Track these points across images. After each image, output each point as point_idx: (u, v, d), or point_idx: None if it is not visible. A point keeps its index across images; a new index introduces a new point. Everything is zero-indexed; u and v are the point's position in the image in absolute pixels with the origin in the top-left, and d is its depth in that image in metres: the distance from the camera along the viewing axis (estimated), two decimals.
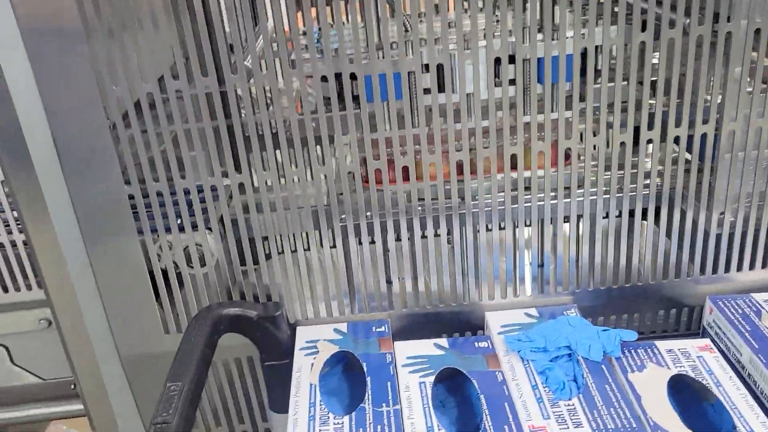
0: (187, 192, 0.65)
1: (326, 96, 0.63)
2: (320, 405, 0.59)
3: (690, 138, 0.66)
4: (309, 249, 0.69)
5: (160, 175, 0.64)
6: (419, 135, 0.64)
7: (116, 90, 0.60)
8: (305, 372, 0.63)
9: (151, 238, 0.67)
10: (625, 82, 0.64)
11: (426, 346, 0.66)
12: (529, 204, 0.68)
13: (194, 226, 0.67)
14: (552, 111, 0.64)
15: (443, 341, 0.67)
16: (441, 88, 0.63)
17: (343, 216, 0.67)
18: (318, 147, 0.65)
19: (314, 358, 0.65)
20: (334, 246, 0.69)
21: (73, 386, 0.86)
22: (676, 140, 0.66)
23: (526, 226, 0.70)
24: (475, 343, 0.66)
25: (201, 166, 0.64)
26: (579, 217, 0.69)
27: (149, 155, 0.63)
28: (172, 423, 0.50)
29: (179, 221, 0.66)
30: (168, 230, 0.66)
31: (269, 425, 0.77)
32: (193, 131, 0.62)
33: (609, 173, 0.67)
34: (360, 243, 0.69)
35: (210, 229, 0.67)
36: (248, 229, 0.67)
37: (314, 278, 0.70)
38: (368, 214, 0.67)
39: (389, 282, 0.76)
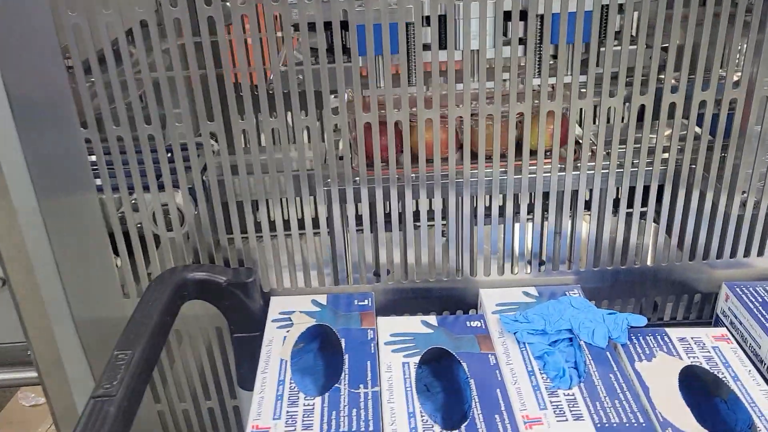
0: (153, 150, 0.58)
1: (314, 48, 0.56)
2: (290, 383, 0.53)
3: (714, 117, 0.59)
4: (288, 215, 0.62)
5: (122, 125, 0.57)
6: (416, 96, 0.57)
7: (73, 17, 0.53)
8: (276, 346, 0.57)
9: (112, 194, 0.60)
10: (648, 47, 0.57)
11: (412, 323, 0.60)
12: (534, 175, 0.61)
13: (161, 187, 0.60)
14: (566, 74, 0.57)
15: (432, 318, 0.61)
16: (442, 44, 0.56)
17: (328, 181, 0.61)
18: (303, 104, 0.58)
19: (287, 331, 0.59)
20: (317, 213, 0.62)
21: (28, 352, 0.79)
22: (699, 118, 0.59)
23: (529, 199, 0.64)
24: (467, 323, 0.60)
25: (169, 119, 0.57)
26: (588, 191, 0.63)
27: (112, 107, 0.56)
28: (116, 396, 0.43)
29: (143, 179, 0.59)
30: (131, 189, 0.59)
31: (238, 403, 0.70)
32: (162, 81, 0.55)
33: (624, 146, 0.61)
34: (345, 212, 0.62)
35: (177, 187, 0.60)
36: (222, 191, 0.61)
37: (293, 245, 0.63)
38: (356, 179, 0.61)
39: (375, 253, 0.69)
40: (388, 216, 0.63)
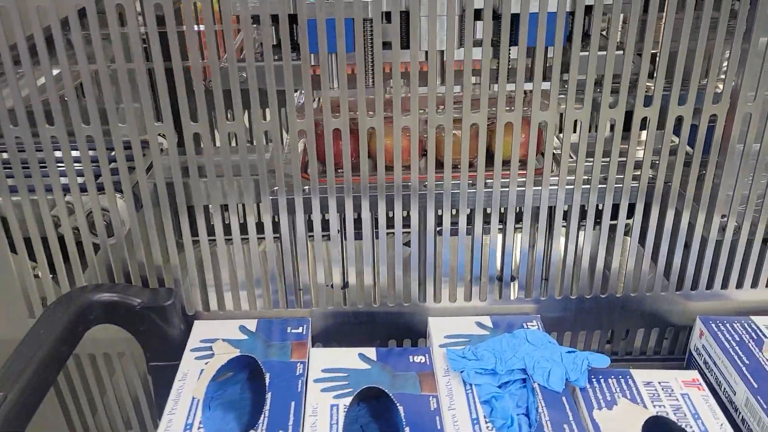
0: (57, 148, 0.51)
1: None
2: (199, 428, 0.46)
3: (693, 127, 0.53)
4: (215, 228, 0.55)
5: (21, 125, 0.50)
6: (369, 98, 0.51)
7: None
8: (191, 380, 0.50)
9: (10, 199, 0.53)
10: (620, 52, 0.51)
11: (348, 357, 0.53)
12: (491, 190, 0.55)
13: (66, 190, 0.53)
14: (527, 81, 0.51)
15: (371, 351, 0.54)
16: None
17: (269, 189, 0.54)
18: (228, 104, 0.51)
19: (206, 363, 0.52)
20: (245, 224, 0.55)
21: None
22: (677, 128, 0.53)
23: (485, 215, 0.58)
24: (410, 357, 0.54)
25: (74, 116, 0.50)
26: (551, 209, 0.56)
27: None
28: None
29: (46, 181, 0.52)
30: (31, 190, 0.52)
31: None
32: (65, 74, 0.48)
33: (592, 160, 0.54)
34: (279, 226, 0.55)
35: (85, 191, 0.53)
36: (138, 200, 0.54)
37: (220, 263, 0.56)
38: (289, 188, 0.54)
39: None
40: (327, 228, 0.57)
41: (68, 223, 0.54)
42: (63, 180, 0.52)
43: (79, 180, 0.52)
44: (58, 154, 0.51)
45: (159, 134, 0.51)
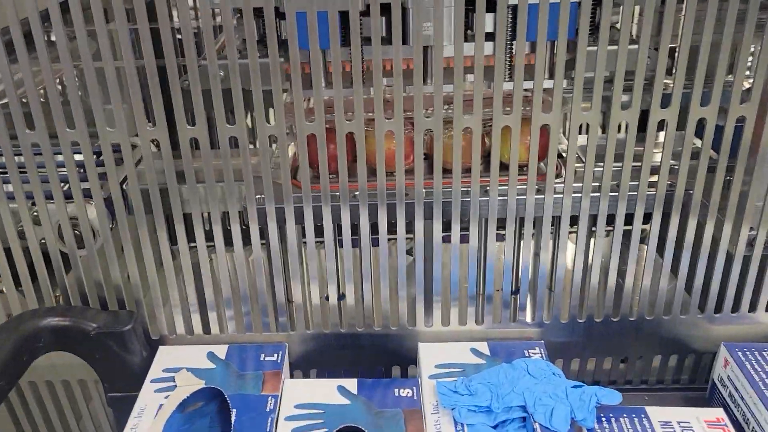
0: None
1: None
2: None
3: (718, 129, 0.46)
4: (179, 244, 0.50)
5: None
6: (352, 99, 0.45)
7: None
8: (147, 417, 0.45)
9: None
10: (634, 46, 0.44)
11: (326, 390, 0.48)
12: (487, 198, 0.48)
13: (11, 198, 0.48)
14: (527, 79, 0.45)
15: (351, 383, 0.48)
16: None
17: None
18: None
19: (166, 397, 0.46)
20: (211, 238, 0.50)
21: None
22: (699, 130, 0.46)
23: (483, 227, 0.52)
24: (396, 390, 0.48)
25: (17, 121, 0.45)
26: (556, 219, 0.50)
27: None
28: None
29: None
30: None
31: None
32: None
33: (602, 164, 0.48)
34: (248, 239, 0.50)
35: (32, 200, 0.47)
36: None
37: (187, 279, 0.51)
38: (259, 197, 0.48)
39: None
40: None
41: (16, 237, 0.48)
42: (8, 188, 0.47)
43: (26, 187, 0.47)
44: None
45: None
